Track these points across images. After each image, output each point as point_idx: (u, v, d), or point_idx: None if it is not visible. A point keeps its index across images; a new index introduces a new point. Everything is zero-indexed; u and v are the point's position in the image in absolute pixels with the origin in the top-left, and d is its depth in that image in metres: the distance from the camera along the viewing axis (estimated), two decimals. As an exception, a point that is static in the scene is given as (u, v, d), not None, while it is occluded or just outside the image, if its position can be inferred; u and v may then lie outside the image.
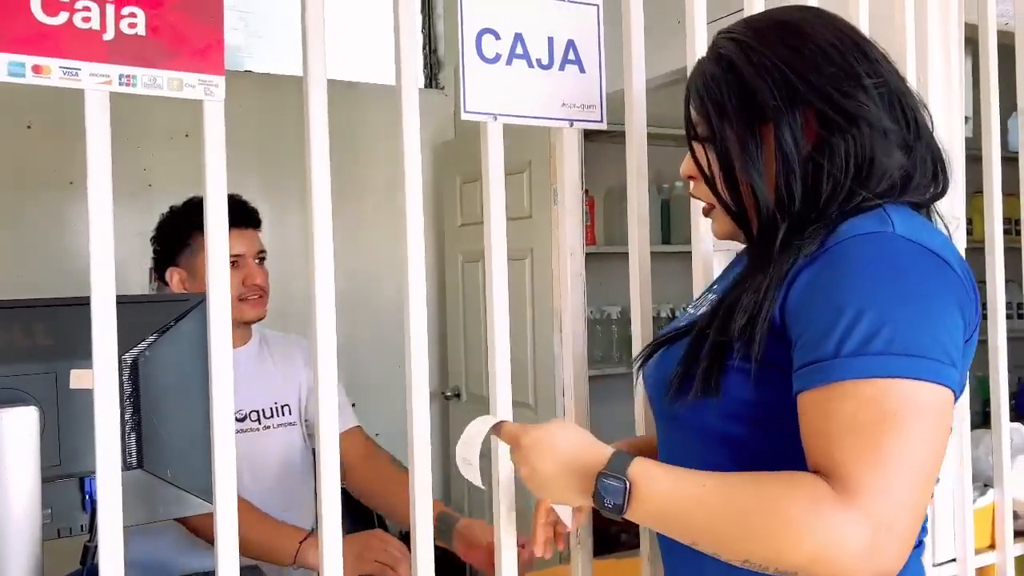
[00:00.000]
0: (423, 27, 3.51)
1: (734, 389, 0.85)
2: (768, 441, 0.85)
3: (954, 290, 0.80)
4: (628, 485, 0.80)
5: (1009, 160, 1.76)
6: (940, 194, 0.93)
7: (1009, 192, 1.71)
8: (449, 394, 3.31)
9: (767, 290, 0.83)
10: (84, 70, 0.84)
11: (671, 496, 0.79)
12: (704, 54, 0.96)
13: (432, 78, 3.52)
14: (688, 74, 0.99)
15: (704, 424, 0.88)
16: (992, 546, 1.61)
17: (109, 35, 0.85)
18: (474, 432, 0.95)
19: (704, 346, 0.86)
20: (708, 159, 0.93)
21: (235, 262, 1.67)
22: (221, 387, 0.93)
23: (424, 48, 3.52)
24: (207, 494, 1.03)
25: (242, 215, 1.71)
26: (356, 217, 3.12)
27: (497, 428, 0.94)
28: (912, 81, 1.45)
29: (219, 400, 0.93)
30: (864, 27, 1.39)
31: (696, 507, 0.78)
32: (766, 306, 0.82)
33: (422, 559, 1.05)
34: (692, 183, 0.98)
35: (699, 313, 0.97)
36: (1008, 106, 1.72)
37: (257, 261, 1.75)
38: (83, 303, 0.90)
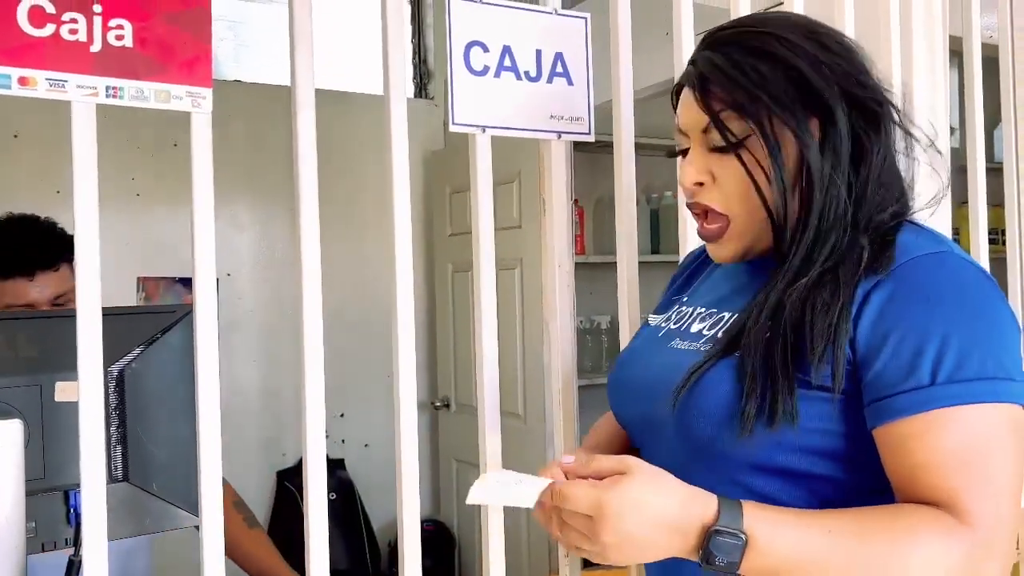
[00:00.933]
0: (412, 37, 3.52)
1: (804, 419, 0.79)
2: (843, 473, 0.81)
3: (1008, 307, 0.81)
4: (746, 540, 0.72)
5: (994, 171, 1.77)
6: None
7: (995, 203, 1.73)
8: (438, 404, 3.31)
9: (841, 311, 0.78)
10: (71, 82, 0.84)
11: (797, 548, 0.72)
12: (711, 50, 0.88)
13: (422, 88, 3.53)
14: (682, 78, 0.92)
15: (763, 459, 0.82)
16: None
17: (96, 47, 0.85)
18: (503, 495, 0.82)
19: (766, 373, 0.79)
20: (744, 162, 0.84)
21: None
22: (208, 399, 0.92)
23: (414, 58, 3.53)
24: (194, 507, 1.03)
25: (29, 260, 1.36)
26: (345, 227, 3.12)
27: (548, 490, 0.78)
28: (898, 92, 1.47)
29: (205, 412, 0.92)
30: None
31: (827, 557, 0.72)
32: (843, 330, 0.78)
33: (410, 572, 1.04)
34: (696, 191, 0.89)
35: (694, 332, 0.93)
36: (993, 117, 1.74)
37: (61, 304, 1.41)
38: (68, 315, 0.89)
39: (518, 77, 1.12)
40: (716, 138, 0.87)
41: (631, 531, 0.73)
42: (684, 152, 0.92)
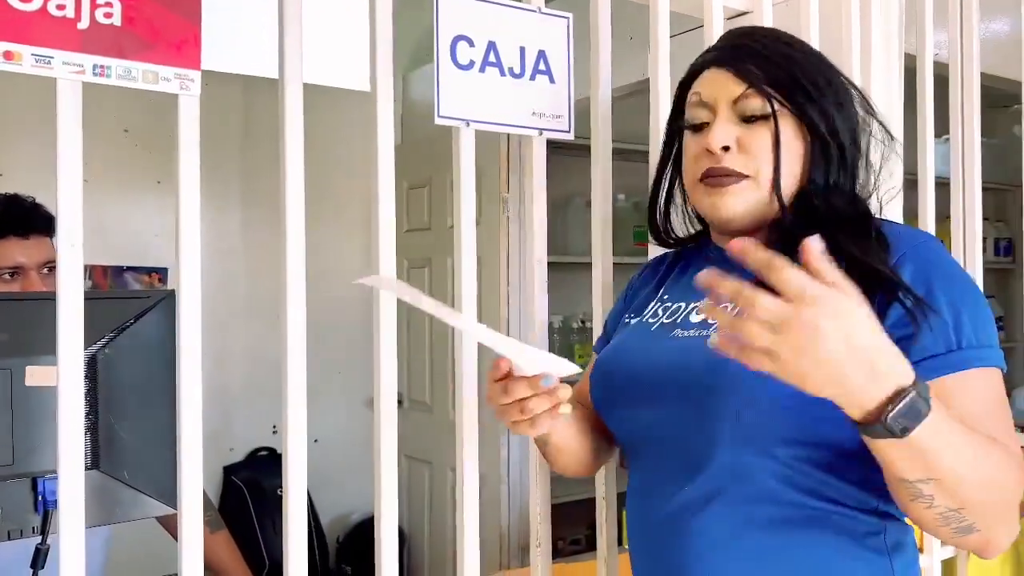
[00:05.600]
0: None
1: None
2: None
3: None
4: (928, 411, 0.70)
5: (942, 185, 1.85)
6: None
7: (944, 216, 1.80)
8: (389, 400, 3.29)
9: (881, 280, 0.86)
10: (57, 58, 0.82)
11: (951, 437, 0.74)
12: (737, 40, 0.99)
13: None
14: (706, 61, 0.99)
15: (804, 433, 0.87)
16: (920, 550, 1.67)
17: (84, 24, 0.83)
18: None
19: None
20: (777, 132, 0.92)
21: (14, 274, 1.40)
22: (188, 385, 0.91)
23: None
24: (165, 496, 1.01)
25: (24, 221, 1.41)
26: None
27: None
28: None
29: (186, 399, 0.91)
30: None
31: (967, 456, 0.76)
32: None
33: (387, 568, 1.05)
34: (722, 156, 0.94)
35: (696, 323, 0.96)
36: (940, 133, 1.81)
37: (46, 271, 1.42)
38: (41, 298, 0.87)
39: (502, 73, 1.13)
40: (749, 108, 0.94)
41: (829, 336, 0.65)
42: (697, 127, 0.98)
